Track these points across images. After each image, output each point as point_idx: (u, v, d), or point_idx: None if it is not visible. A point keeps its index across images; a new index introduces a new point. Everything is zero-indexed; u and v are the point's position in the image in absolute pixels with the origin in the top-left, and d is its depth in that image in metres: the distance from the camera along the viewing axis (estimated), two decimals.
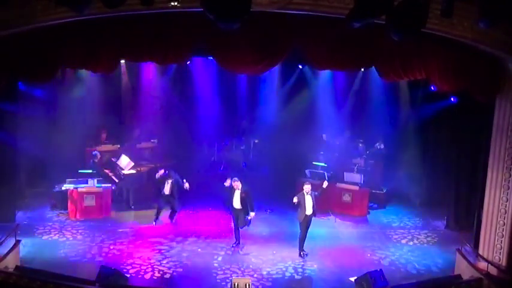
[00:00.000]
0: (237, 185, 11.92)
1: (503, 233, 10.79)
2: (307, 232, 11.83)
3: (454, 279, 10.80)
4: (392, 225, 14.03)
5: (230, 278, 10.45)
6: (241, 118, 17.61)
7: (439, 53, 10.30)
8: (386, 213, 14.93)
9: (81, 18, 8.91)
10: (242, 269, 11.11)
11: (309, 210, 11.62)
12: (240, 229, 12.13)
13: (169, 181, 13.16)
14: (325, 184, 12.20)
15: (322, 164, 15.53)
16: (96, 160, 14.42)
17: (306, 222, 11.73)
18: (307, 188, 11.64)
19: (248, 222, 12.12)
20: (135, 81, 16.63)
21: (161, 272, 10.88)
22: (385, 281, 10.01)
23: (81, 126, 15.49)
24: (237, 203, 11.97)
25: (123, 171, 14.54)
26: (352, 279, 10.58)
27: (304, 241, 11.86)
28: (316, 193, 11.79)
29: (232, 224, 12.36)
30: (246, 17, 6.39)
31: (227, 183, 12.12)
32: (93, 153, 14.61)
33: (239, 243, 12.11)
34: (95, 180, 13.70)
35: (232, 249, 11.99)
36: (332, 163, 15.61)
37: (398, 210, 15.11)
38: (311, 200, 11.62)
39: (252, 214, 12.00)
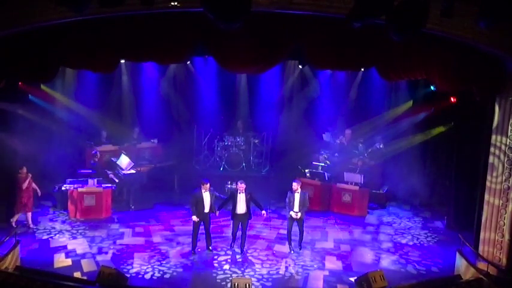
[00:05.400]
0: (243, 187, 11.57)
1: (503, 233, 10.79)
2: (299, 229, 11.87)
3: (454, 279, 10.80)
4: (392, 225, 14.03)
5: (230, 278, 10.45)
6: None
7: (439, 53, 10.29)
8: (386, 213, 14.94)
9: (81, 18, 8.91)
10: (242, 269, 11.11)
11: (296, 208, 11.65)
12: (245, 236, 11.84)
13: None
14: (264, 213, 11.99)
15: (322, 164, 15.53)
16: (96, 159, 14.45)
17: (292, 219, 11.76)
18: (295, 185, 11.70)
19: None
20: (135, 81, 16.64)
21: (161, 272, 10.88)
22: (385, 281, 10.00)
23: (81, 126, 15.55)
24: (241, 208, 11.57)
25: (123, 171, 14.55)
26: (352, 279, 10.57)
27: (290, 237, 11.89)
28: (307, 193, 11.91)
29: (232, 232, 11.92)
30: (246, 17, 6.39)
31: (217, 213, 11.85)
32: (94, 152, 14.66)
33: (243, 251, 11.82)
34: (95, 180, 13.72)
35: (232, 249, 11.93)
36: (332, 163, 15.61)
37: (398, 210, 15.12)
38: (298, 199, 11.63)
39: (264, 212, 11.86)
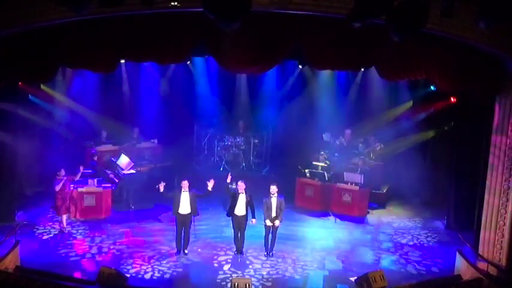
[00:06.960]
0: (242, 186, 11.41)
1: (503, 233, 10.78)
2: (272, 234, 11.61)
3: (454, 279, 10.81)
4: (392, 225, 14.03)
5: (230, 278, 10.45)
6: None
7: (439, 53, 10.28)
8: (386, 213, 14.94)
9: (81, 18, 8.91)
10: (242, 269, 11.10)
11: (273, 213, 11.41)
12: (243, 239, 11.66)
13: None
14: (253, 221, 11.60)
15: (322, 164, 15.53)
16: (95, 158, 14.44)
17: (269, 227, 11.49)
18: (273, 189, 11.41)
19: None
20: (135, 81, 16.65)
21: (161, 272, 10.88)
22: (385, 281, 10.01)
23: (81, 126, 15.55)
24: (240, 209, 11.41)
25: (123, 171, 14.54)
26: (352, 279, 10.58)
27: (268, 242, 11.64)
28: (284, 197, 11.56)
29: (233, 234, 11.74)
30: (246, 17, 6.39)
31: (229, 179, 11.64)
32: (92, 151, 14.66)
33: (242, 252, 11.71)
34: (95, 180, 13.70)
35: (234, 255, 11.72)
36: (332, 163, 15.60)
37: (398, 210, 15.12)
38: (276, 203, 11.40)
39: (254, 220, 11.54)
